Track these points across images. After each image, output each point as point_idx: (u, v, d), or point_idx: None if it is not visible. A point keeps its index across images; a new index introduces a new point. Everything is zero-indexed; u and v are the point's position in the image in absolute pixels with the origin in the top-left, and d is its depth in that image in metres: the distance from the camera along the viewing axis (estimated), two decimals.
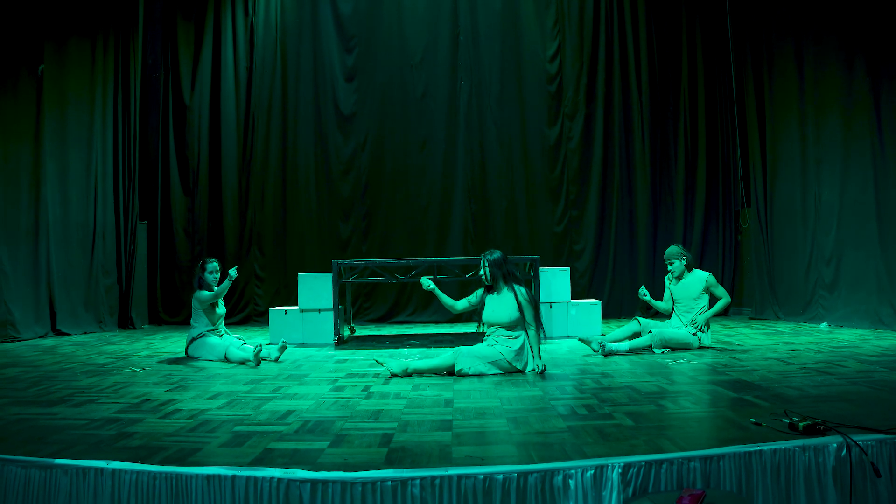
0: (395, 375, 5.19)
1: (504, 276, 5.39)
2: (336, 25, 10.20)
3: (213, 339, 6.29)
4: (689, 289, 6.34)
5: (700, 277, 6.33)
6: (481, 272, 5.48)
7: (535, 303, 5.39)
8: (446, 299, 5.67)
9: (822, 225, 8.36)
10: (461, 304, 5.66)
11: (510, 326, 5.30)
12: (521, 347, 5.28)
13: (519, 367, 5.25)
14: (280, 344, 6.20)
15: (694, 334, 6.23)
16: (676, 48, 10.25)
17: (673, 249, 6.46)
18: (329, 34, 10.19)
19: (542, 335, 5.37)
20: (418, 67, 10.17)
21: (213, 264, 6.52)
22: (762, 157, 9.36)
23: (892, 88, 7.41)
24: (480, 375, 5.15)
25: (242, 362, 6.00)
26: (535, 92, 10.19)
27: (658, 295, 6.65)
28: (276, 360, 6.10)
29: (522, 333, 5.32)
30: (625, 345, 6.06)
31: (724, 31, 10.11)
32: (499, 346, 5.29)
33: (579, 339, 6.34)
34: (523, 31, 10.22)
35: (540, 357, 5.35)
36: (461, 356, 5.20)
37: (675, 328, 6.31)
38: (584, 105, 10.18)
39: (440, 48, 10.18)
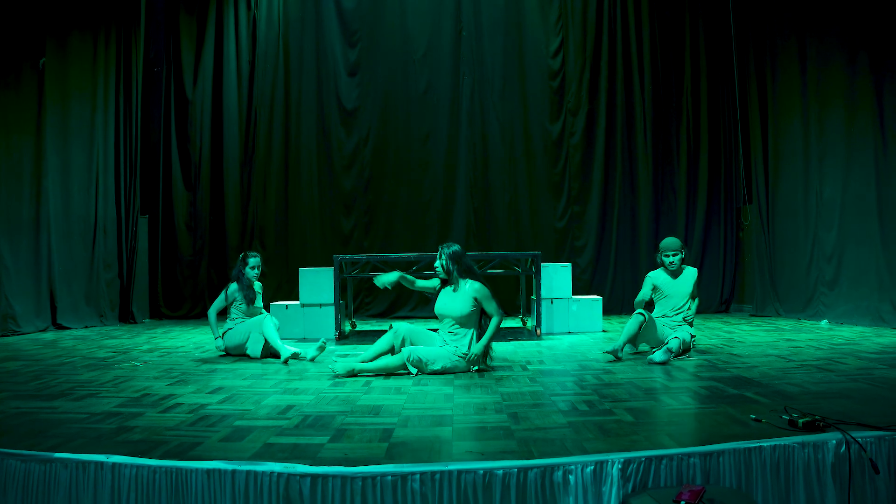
0: (338, 376, 5.01)
1: (460, 270, 5.32)
2: (339, 20, 10.18)
3: (248, 321, 6.11)
4: (683, 285, 6.00)
5: (691, 273, 6.04)
6: (436, 264, 5.42)
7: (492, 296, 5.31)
8: (405, 282, 5.45)
9: (823, 222, 8.35)
10: (421, 283, 5.56)
11: (462, 321, 5.27)
12: (469, 345, 5.23)
13: (469, 367, 5.22)
14: (319, 343, 5.93)
15: (692, 335, 6.00)
16: (679, 44, 10.22)
17: (674, 241, 6.02)
18: (332, 28, 10.17)
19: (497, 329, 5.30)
20: (421, 62, 10.15)
21: (256, 259, 6.33)
22: (764, 154, 9.34)
23: (894, 85, 7.39)
24: (431, 374, 5.07)
25: (275, 354, 5.87)
26: (538, 87, 10.17)
27: (637, 290, 6.24)
28: (312, 360, 5.83)
29: (471, 331, 5.27)
30: (658, 355, 5.45)
31: (727, 27, 10.08)
32: (450, 345, 5.25)
33: (605, 352, 5.70)
34: (526, 26, 10.20)
35: (490, 350, 5.32)
36: (412, 356, 5.09)
37: (663, 326, 5.92)
38: (586, 101, 10.17)
39: (443, 43, 10.17)
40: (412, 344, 5.30)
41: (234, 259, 10.04)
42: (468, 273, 5.34)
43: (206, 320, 9.67)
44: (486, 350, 5.29)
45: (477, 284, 5.29)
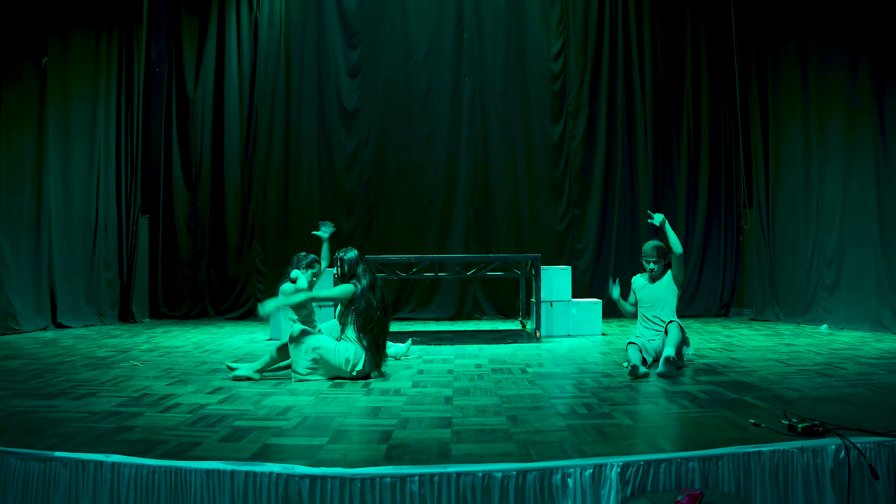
0: (248, 378, 4.91)
1: (349, 276, 5.18)
2: (340, 21, 10.19)
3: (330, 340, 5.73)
4: (663, 290, 5.53)
5: (669, 277, 5.55)
6: (335, 271, 5.33)
7: (355, 303, 5.05)
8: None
9: (823, 226, 8.35)
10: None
11: (343, 324, 5.16)
12: (356, 350, 5.01)
13: (352, 371, 4.97)
14: (409, 342, 6.23)
15: (681, 326, 5.43)
16: (680, 48, 10.24)
17: (656, 245, 5.55)
18: (333, 30, 10.18)
19: (362, 341, 5.01)
20: (422, 64, 10.15)
21: (317, 268, 6.08)
22: (765, 158, 9.35)
23: (895, 90, 7.40)
24: (326, 372, 4.94)
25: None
26: (539, 90, 10.18)
27: (625, 293, 5.94)
28: (405, 356, 5.96)
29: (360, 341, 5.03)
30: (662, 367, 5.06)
31: (729, 31, 10.09)
32: (350, 343, 5.05)
33: (659, 374, 5.00)
34: (528, 28, 10.21)
35: (377, 365, 5.05)
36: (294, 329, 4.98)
37: (650, 338, 5.54)
38: (587, 103, 10.17)
39: (444, 45, 10.17)
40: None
41: (233, 259, 10.08)
42: (354, 276, 5.17)
43: (206, 320, 9.69)
44: (377, 360, 5.06)
45: (346, 287, 5.10)
